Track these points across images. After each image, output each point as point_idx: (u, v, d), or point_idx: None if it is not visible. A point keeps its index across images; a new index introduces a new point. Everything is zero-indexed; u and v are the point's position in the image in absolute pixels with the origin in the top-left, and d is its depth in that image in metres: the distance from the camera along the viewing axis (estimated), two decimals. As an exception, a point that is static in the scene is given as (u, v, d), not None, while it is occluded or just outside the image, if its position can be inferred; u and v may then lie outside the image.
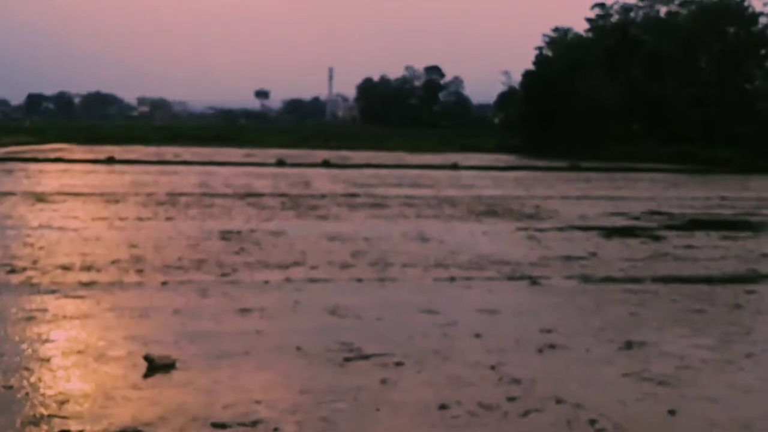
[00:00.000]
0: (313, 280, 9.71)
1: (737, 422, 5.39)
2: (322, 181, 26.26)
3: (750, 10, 59.60)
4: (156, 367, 6.11)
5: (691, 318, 8.50)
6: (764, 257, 12.53)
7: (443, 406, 5.51)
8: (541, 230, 15.29)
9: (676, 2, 66.45)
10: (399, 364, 6.43)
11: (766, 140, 46.51)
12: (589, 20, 72.62)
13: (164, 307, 8.14)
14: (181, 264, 10.44)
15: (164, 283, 9.26)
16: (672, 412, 5.54)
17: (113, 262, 10.43)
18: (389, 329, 7.55)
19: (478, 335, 7.44)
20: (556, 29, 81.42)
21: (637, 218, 17.86)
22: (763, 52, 59.27)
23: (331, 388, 5.80)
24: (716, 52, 57.91)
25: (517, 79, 65.39)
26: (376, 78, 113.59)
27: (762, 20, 59.63)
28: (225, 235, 13.07)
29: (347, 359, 6.53)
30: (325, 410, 5.37)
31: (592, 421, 5.32)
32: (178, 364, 6.19)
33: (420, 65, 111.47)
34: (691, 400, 5.84)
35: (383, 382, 6.00)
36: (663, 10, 67.15)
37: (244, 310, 8.07)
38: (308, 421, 5.18)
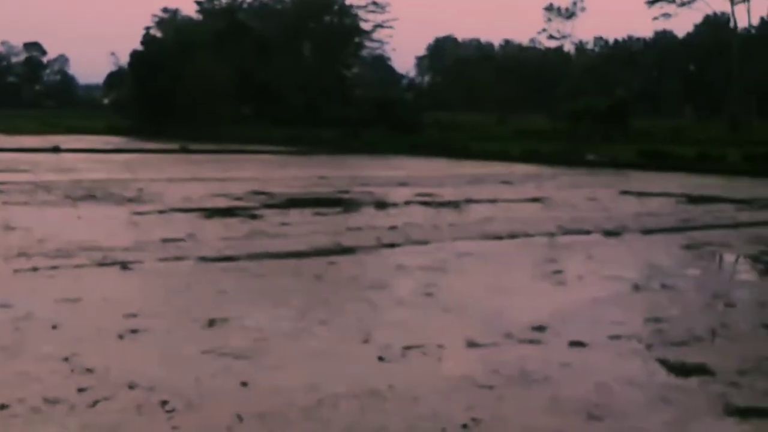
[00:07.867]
0: None
1: (303, 386, 5.73)
2: None
3: (342, 1, 64.39)
4: None
5: (275, 292, 8.91)
6: (348, 231, 13.57)
7: (3, 407, 5.10)
8: (141, 213, 14.96)
9: (281, -10, 69.47)
10: (-46, 367, 5.82)
11: (363, 123, 50.87)
12: (198, 3, 72.92)
13: None
14: None
15: None
16: (244, 384, 5.74)
17: None
18: (-51, 329, 6.80)
19: (55, 326, 7.02)
20: (165, 10, 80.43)
21: (239, 198, 18.29)
22: (357, 41, 64.49)
23: None
24: (317, 40, 61.66)
25: (125, 59, 63.27)
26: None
27: (354, 11, 64.79)
28: None
29: None
30: None
31: (164, 402, 5.29)
32: None
33: (18, 41, 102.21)
34: (264, 369, 6.09)
35: (-68, 389, 5.37)
36: (268, -3, 69.76)
37: None
38: None
